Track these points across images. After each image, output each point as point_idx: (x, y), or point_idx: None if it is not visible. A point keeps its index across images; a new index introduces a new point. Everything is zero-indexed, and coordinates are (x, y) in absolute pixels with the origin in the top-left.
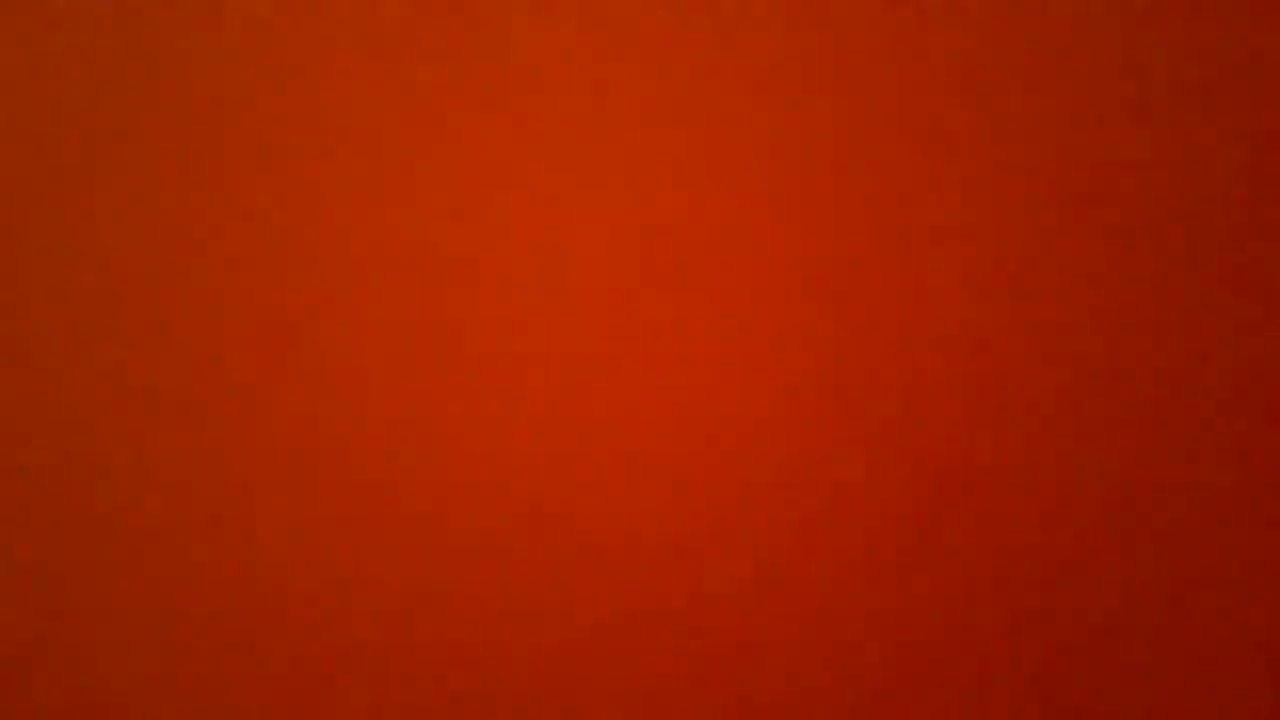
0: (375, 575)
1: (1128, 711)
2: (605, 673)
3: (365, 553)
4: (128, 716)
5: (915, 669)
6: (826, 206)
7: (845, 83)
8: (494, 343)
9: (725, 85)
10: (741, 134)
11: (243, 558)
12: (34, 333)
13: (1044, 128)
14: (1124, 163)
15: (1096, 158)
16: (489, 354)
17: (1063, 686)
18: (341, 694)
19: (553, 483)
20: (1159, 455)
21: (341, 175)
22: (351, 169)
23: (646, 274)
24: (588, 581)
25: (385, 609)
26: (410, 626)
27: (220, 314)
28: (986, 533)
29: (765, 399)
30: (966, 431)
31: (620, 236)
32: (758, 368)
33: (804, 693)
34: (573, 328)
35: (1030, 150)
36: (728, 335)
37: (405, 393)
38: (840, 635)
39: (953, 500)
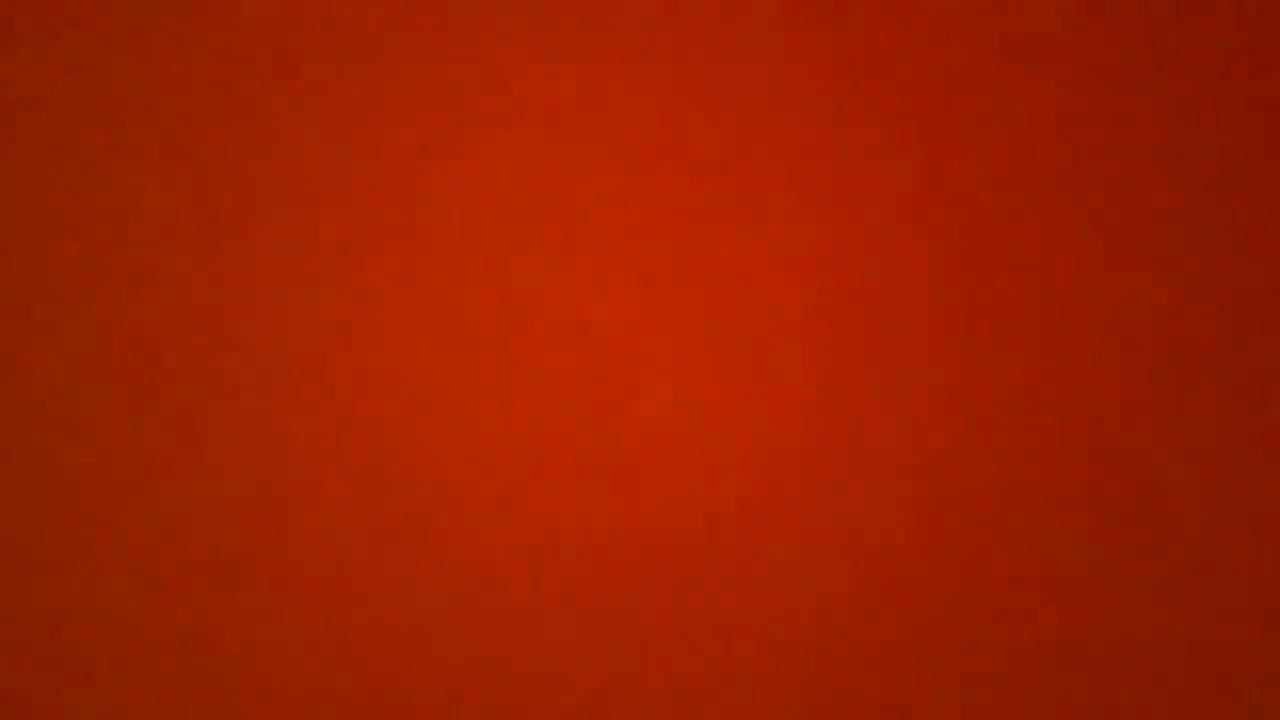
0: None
1: (1124, 711)
2: (606, 673)
3: (379, 557)
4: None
5: (911, 669)
6: (826, 212)
7: (844, 85)
8: (490, 345)
9: (722, 86)
10: (739, 141)
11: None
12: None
13: (1045, 131)
14: (1127, 163)
15: (1097, 159)
16: (485, 355)
17: (1060, 688)
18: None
19: (554, 484)
20: (1155, 457)
21: (345, 179)
22: (356, 173)
23: (646, 279)
24: (592, 582)
25: (403, 610)
26: (424, 628)
27: (221, 320)
28: (985, 534)
29: (763, 403)
30: (965, 433)
31: (621, 241)
32: (759, 373)
33: (803, 692)
34: (576, 331)
35: (1031, 154)
36: (729, 339)
37: (405, 394)
38: (838, 634)
39: (950, 502)
